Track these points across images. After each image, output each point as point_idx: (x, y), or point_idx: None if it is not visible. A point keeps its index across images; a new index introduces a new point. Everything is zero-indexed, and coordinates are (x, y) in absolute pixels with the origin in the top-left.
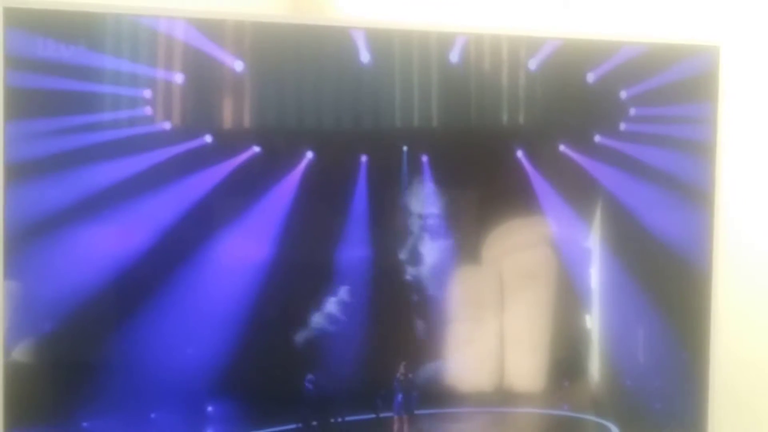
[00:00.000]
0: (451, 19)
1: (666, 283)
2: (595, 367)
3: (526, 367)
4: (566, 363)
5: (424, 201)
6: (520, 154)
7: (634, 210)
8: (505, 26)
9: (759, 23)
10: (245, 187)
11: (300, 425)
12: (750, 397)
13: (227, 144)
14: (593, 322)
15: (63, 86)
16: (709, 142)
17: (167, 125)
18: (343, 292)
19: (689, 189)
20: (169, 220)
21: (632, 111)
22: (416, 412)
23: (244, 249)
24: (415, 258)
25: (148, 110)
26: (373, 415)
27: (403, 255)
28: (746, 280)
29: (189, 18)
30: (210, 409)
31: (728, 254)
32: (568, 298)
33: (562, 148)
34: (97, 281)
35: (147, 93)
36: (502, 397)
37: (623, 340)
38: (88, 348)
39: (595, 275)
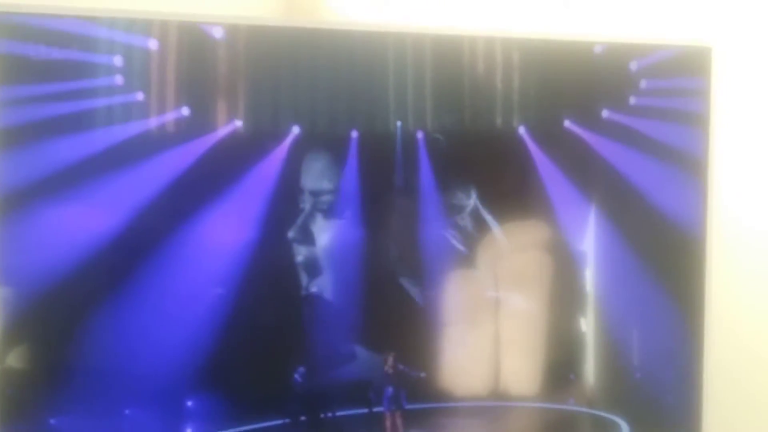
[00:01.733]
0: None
1: (667, 257)
2: (597, 350)
3: (527, 356)
4: (570, 350)
5: (419, 180)
6: (522, 130)
7: (637, 185)
8: (502, 26)
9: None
10: (226, 165)
11: (288, 421)
12: (744, 365)
13: (206, 117)
14: (594, 300)
15: (21, 51)
16: (704, 114)
17: (140, 96)
18: (331, 278)
19: (686, 160)
20: (141, 200)
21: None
22: (407, 406)
23: (225, 231)
24: (410, 241)
25: (118, 79)
26: (365, 410)
27: (396, 238)
28: (740, 251)
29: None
30: (189, 404)
31: (723, 224)
32: (570, 282)
33: (567, 123)
34: (63, 265)
35: (117, 60)
36: (500, 390)
37: (624, 313)
38: (53, 338)
39: (598, 255)
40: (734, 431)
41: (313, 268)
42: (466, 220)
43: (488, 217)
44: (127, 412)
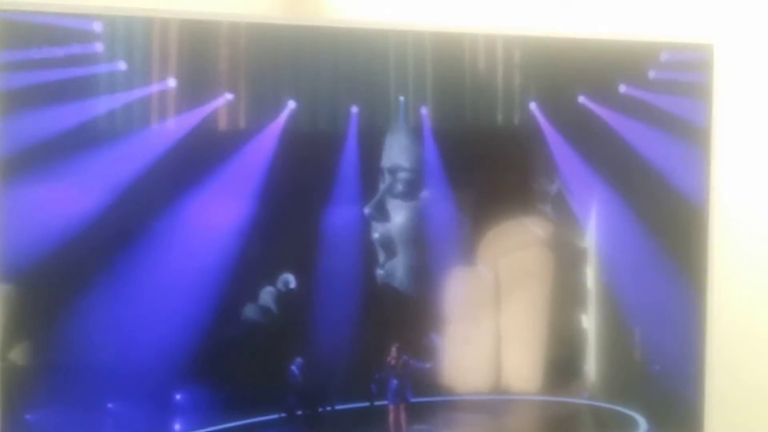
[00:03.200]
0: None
1: (679, 236)
2: (607, 339)
3: (536, 346)
4: (579, 339)
5: (424, 159)
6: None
7: (647, 157)
8: (504, 29)
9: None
10: (216, 141)
11: (283, 415)
12: (747, 330)
13: (194, 89)
14: (604, 284)
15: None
16: (707, 86)
17: (122, 65)
18: (330, 262)
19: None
20: (126, 178)
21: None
22: (412, 399)
23: (216, 211)
24: (414, 222)
25: (98, 47)
26: (366, 404)
27: (398, 219)
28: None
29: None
30: (178, 397)
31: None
32: (579, 266)
33: (581, 99)
34: (44, 247)
35: (97, 25)
36: (510, 385)
37: (636, 298)
38: (33, 324)
39: (610, 235)
40: (736, 410)
41: (312, 252)
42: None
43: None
44: (110, 406)
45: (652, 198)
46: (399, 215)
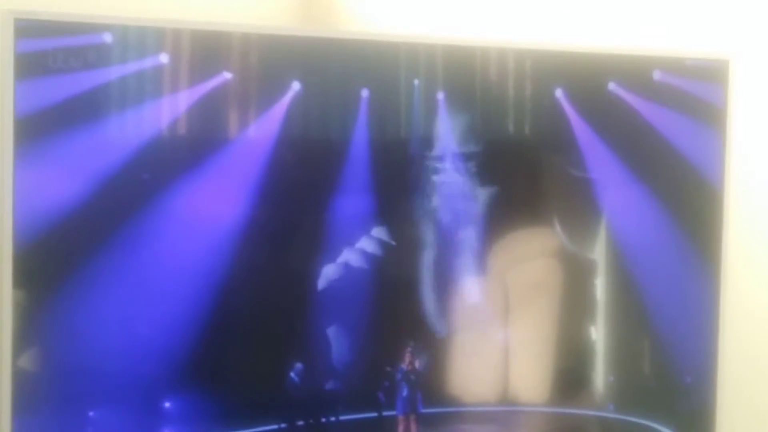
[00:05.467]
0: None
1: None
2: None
3: (552, 356)
4: (609, 337)
5: (440, 147)
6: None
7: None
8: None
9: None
10: (213, 123)
11: (283, 426)
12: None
13: (189, 67)
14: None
15: None
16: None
17: (108, 37)
18: (337, 257)
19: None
20: (114, 163)
21: None
22: (424, 410)
23: (213, 201)
24: (429, 214)
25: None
26: (374, 414)
27: (413, 211)
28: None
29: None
30: (166, 405)
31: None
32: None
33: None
34: (25, 236)
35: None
36: (529, 394)
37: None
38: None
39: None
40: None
41: (317, 245)
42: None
43: None
44: (91, 414)
45: (680, 187)
46: (413, 213)
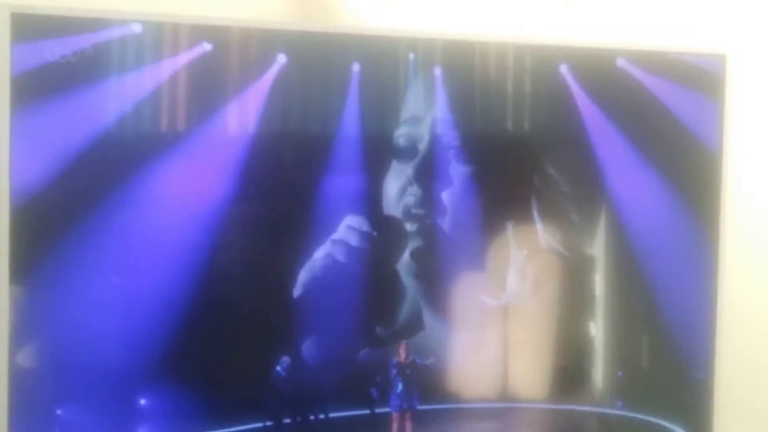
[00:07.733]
0: None
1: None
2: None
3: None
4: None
5: (436, 125)
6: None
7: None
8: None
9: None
10: (192, 98)
11: (268, 424)
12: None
13: (166, 37)
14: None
15: None
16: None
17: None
18: (326, 242)
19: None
20: (86, 139)
21: None
22: (420, 407)
23: (193, 182)
24: (422, 194)
25: None
26: (366, 411)
27: (405, 191)
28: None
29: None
30: (143, 402)
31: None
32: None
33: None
34: None
35: None
36: (531, 391)
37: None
38: None
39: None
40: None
41: (305, 229)
42: None
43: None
44: (62, 411)
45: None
46: (407, 199)
